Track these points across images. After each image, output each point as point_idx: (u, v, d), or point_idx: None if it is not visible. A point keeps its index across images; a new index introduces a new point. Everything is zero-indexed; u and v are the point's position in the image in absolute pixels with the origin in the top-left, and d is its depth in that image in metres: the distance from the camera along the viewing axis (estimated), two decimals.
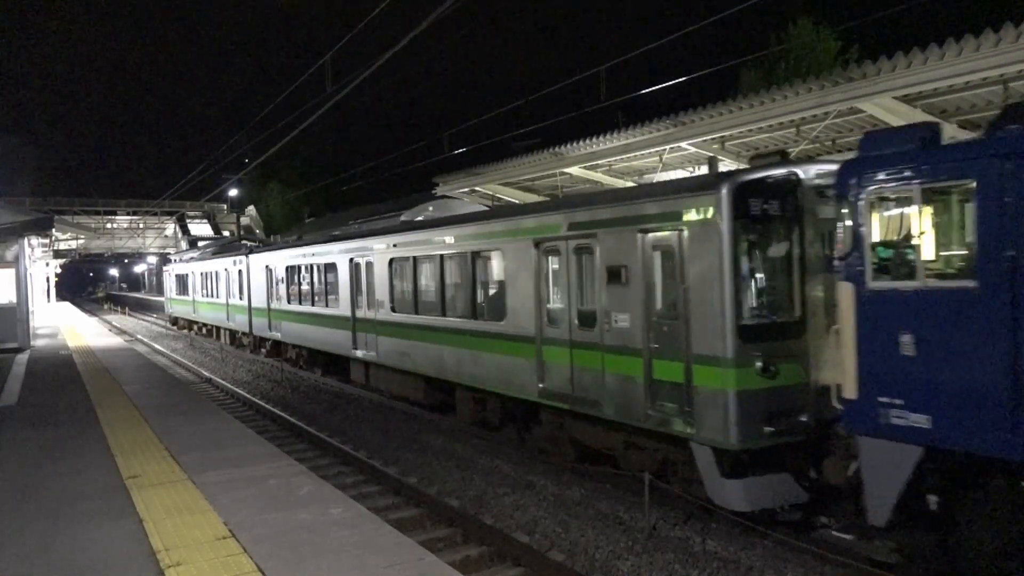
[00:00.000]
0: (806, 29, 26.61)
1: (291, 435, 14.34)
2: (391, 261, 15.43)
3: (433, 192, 22.71)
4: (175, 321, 42.71)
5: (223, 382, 20.71)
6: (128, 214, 66.95)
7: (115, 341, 26.62)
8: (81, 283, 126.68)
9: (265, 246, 26.16)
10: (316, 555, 5.54)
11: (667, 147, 15.38)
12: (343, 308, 17.53)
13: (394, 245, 15.26)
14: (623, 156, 16.30)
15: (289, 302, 21.62)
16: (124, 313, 65.16)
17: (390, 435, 13.87)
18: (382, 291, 15.79)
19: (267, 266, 23.61)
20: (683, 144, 14.95)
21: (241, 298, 26.55)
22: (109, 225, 66.06)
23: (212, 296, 31.52)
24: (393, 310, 15.42)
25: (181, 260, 40.41)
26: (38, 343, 24.32)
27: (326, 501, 6.89)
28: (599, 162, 17.44)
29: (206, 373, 22.71)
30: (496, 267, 12.27)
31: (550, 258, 10.61)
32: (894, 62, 10.79)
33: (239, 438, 9.66)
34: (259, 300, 24.55)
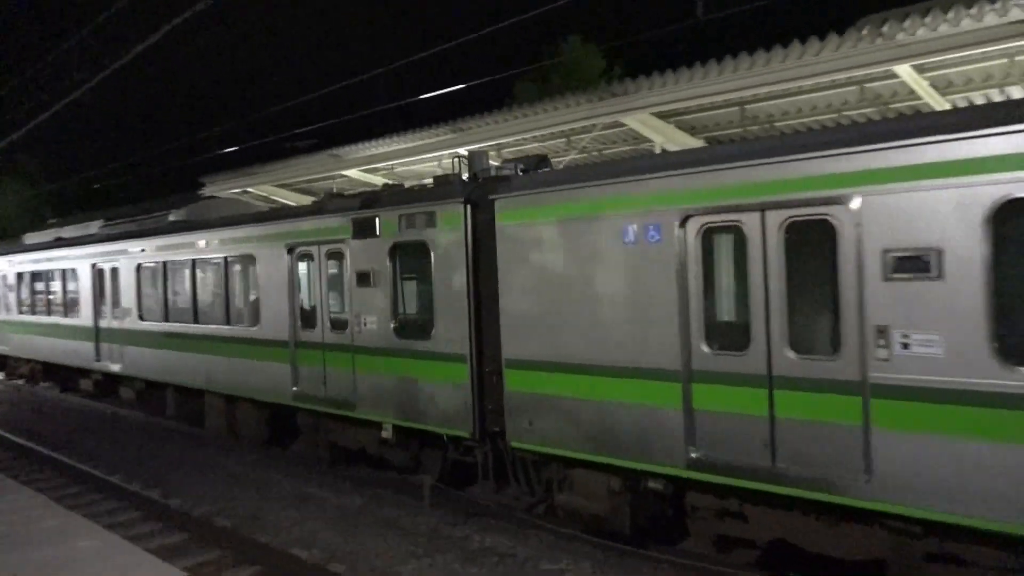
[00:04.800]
0: (576, 46, 28.21)
1: (31, 464, 12.70)
2: None
3: (200, 192, 21.19)
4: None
5: None
6: None
7: None
8: None
9: None
10: None
11: (446, 152, 15.59)
12: None
13: None
14: (403, 160, 16.29)
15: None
16: None
17: (152, 455, 12.76)
18: None
19: None
20: (460, 150, 15.23)
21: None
22: None
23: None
24: None
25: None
26: None
27: (73, 534, 6.17)
28: (378, 165, 17.30)
29: None
30: None
31: None
32: (651, 81, 11.71)
33: None
34: None
